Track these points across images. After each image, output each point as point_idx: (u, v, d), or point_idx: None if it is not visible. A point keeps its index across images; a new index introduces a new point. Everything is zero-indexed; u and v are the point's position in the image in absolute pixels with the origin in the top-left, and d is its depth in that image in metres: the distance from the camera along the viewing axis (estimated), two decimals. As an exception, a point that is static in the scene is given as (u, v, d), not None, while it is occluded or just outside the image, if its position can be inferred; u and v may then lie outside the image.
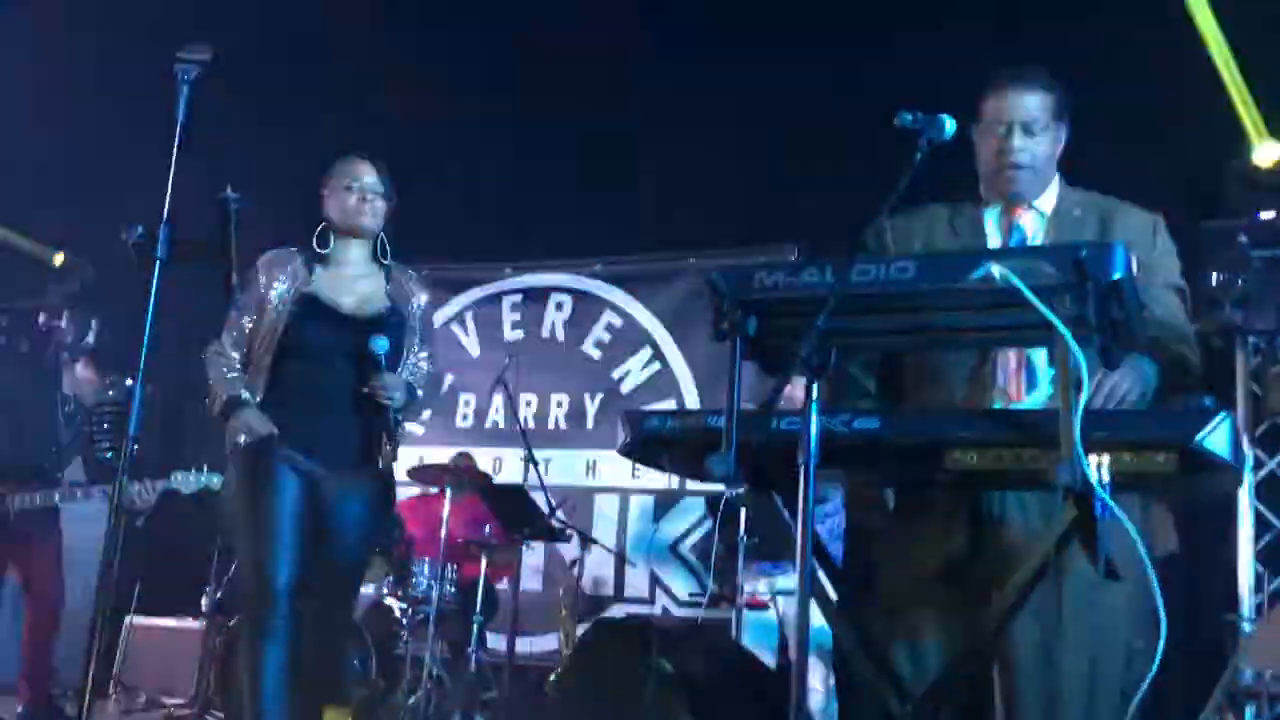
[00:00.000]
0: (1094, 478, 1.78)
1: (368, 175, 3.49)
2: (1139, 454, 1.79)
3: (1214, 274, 4.58)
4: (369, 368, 3.29)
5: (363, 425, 3.33)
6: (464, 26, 6.87)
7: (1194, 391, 2.38)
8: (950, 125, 2.17)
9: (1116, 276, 1.83)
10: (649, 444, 2.15)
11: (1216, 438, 1.76)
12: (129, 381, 2.41)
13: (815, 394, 1.83)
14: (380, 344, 3.29)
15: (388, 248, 3.56)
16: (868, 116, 2.52)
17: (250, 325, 3.37)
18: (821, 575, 2.22)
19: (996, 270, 1.88)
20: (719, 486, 5.30)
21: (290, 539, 3.19)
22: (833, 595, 2.22)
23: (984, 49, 5.32)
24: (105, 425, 4.81)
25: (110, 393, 4.88)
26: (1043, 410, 1.95)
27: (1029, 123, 2.47)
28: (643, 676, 2.63)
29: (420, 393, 3.47)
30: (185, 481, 4.89)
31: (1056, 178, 2.57)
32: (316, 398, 3.32)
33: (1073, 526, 1.82)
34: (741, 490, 2.28)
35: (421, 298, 3.58)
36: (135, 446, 2.30)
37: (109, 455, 4.73)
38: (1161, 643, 1.87)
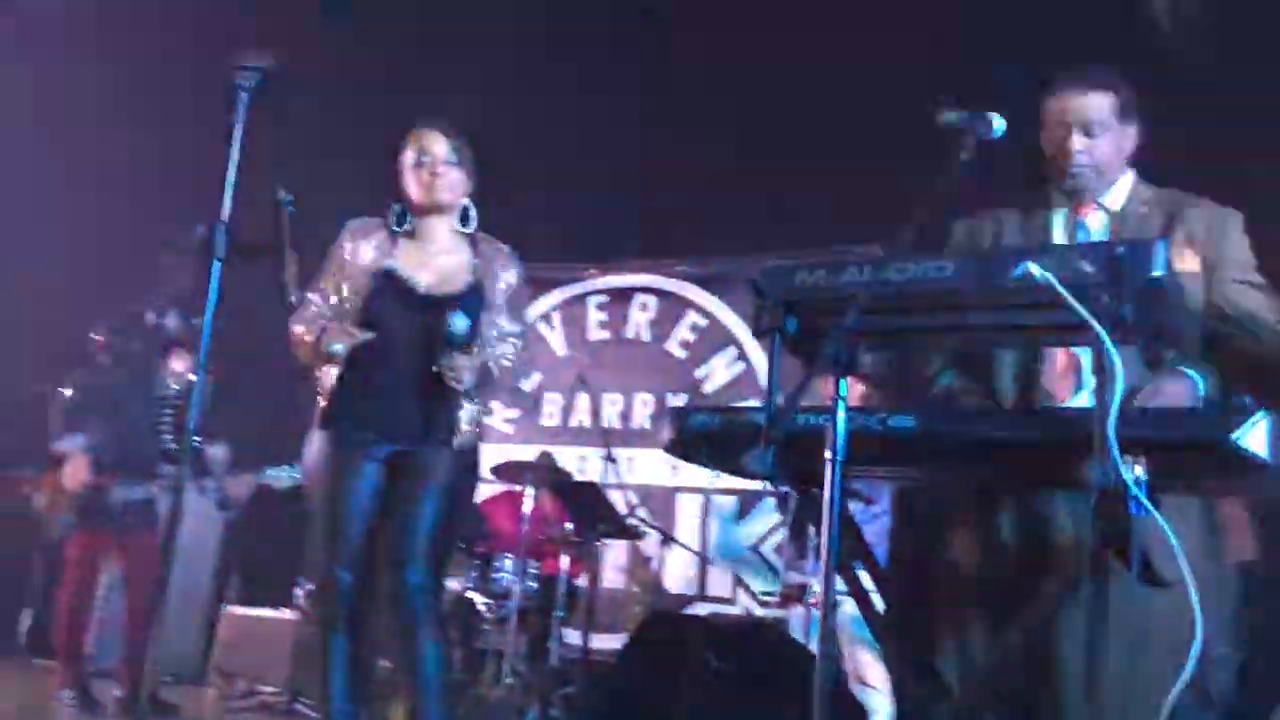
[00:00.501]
0: (1128, 477, 1.77)
1: (438, 145, 3.32)
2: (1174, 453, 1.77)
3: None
4: (443, 347, 3.12)
5: (437, 405, 3.17)
6: (557, 27, 6.96)
7: (1270, 369, 2.34)
8: (999, 123, 2.16)
9: (1155, 274, 1.81)
10: (693, 440, 2.18)
11: (1254, 437, 1.73)
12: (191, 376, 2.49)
13: (843, 392, 1.84)
14: (459, 323, 3.13)
15: (472, 216, 3.40)
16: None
17: (332, 290, 3.28)
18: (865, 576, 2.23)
19: (1034, 269, 1.87)
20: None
21: (360, 538, 3.13)
22: (877, 597, 2.22)
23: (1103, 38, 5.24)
24: (167, 417, 4.99)
25: (174, 387, 5.05)
26: (1078, 409, 1.93)
27: (1089, 123, 2.47)
28: (685, 667, 2.65)
29: (498, 373, 3.29)
30: (278, 477, 5.07)
31: (1129, 175, 2.55)
32: (390, 377, 3.18)
33: (1107, 527, 1.80)
34: (786, 489, 2.27)
35: (510, 275, 3.40)
36: (198, 440, 2.40)
37: (171, 447, 4.89)
38: (1196, 648, 1.82)
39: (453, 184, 3.32)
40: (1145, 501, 1.78)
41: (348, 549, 3.13)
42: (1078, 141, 2.47)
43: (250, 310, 3.34)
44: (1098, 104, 2.47)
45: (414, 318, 3.19)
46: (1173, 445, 1.78)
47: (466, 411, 3.21)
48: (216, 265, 2.47)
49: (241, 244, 2.48)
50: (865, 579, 2.29)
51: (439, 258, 3.33)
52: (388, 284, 3.25)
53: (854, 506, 4.33)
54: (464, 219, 3.38)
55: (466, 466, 3.28)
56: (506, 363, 3.32)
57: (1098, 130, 2.47)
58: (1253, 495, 2.16)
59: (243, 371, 5.55)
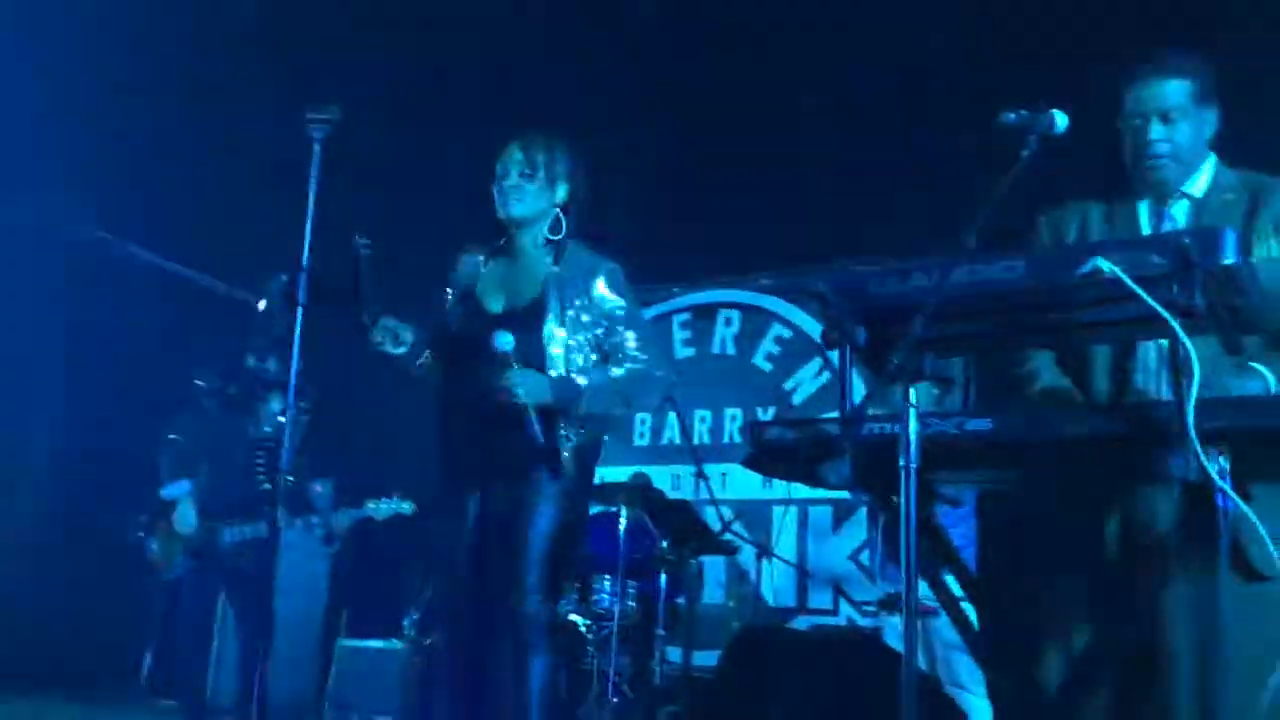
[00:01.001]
0: (1212, 468, 1.74)
1: (513, 155, 3.20)
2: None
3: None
4: (494, 366, 2.97)
5: (515, 432, 2.98)
6: (613, 54, 7.04)
7: None
8: (1062, 120, 2.15)
9: (1226, 261, 1.79)
10: (770, 454, 2.20)
11: (1339, 422, 1.70)
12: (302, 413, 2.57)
13: (913, 398, 1.84)
14: (503, 339, 2.95)
15: (563, 224, 3.23)
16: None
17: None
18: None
19: (1103, 264, 1.86)
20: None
21: (466, 571, 3.10)
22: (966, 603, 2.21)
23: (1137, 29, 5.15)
24: (260, 458, 5.12)
25: (266, 428, 5.19)
26: (1154, 401, 1.91)
27: (1167, 111, 2.45)
28: (776, 683, 2.66)
29: (594, 390, 3.08)
30: (378, 509, 5.19)
31: (1210, 161, 2.52)
32: (467, 403, 3.07)
33: (1190, 521, 1.78)
34: (865, 497, 2.28)
35: (600, 282, 3.19)
36: (291, 479, 2.48)
37: (266, 486, 5.03)
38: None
39: (523, 193, 3.18)
40: (1231, 492, 1.76)
41: (453, 584, 3.13)
42: (1156, 130, 2.44)
43: (346, 351, 3.43)
44: (1175, 90, 2.45)
45: (482, 338, 3.03)
46: (1255, 433, 1.75)
47: (552, 435, 3.04)
48: (299, 311, 2.56)
49: (322, 289, 2.57)
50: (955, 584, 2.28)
51: (520, 274, 3.22)
52: (466, 306, 3.20)
53: (940, 510, 4.29)
54: (554, 228, 3.23)
55: (568, 493, 3.10)
56: (617, 372, 3.13)
57: (1177, 117, 2.45)
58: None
59: (339, 410, 5.71)
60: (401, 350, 3.13)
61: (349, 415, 6.50)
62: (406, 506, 5.31)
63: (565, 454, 3.07)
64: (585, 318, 3.15)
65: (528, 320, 3.10)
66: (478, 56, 6.99)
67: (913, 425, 1.83)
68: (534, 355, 3.06)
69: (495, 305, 3.19)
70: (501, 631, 3.03)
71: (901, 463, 1.82)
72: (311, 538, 5.39)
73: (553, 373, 3.07)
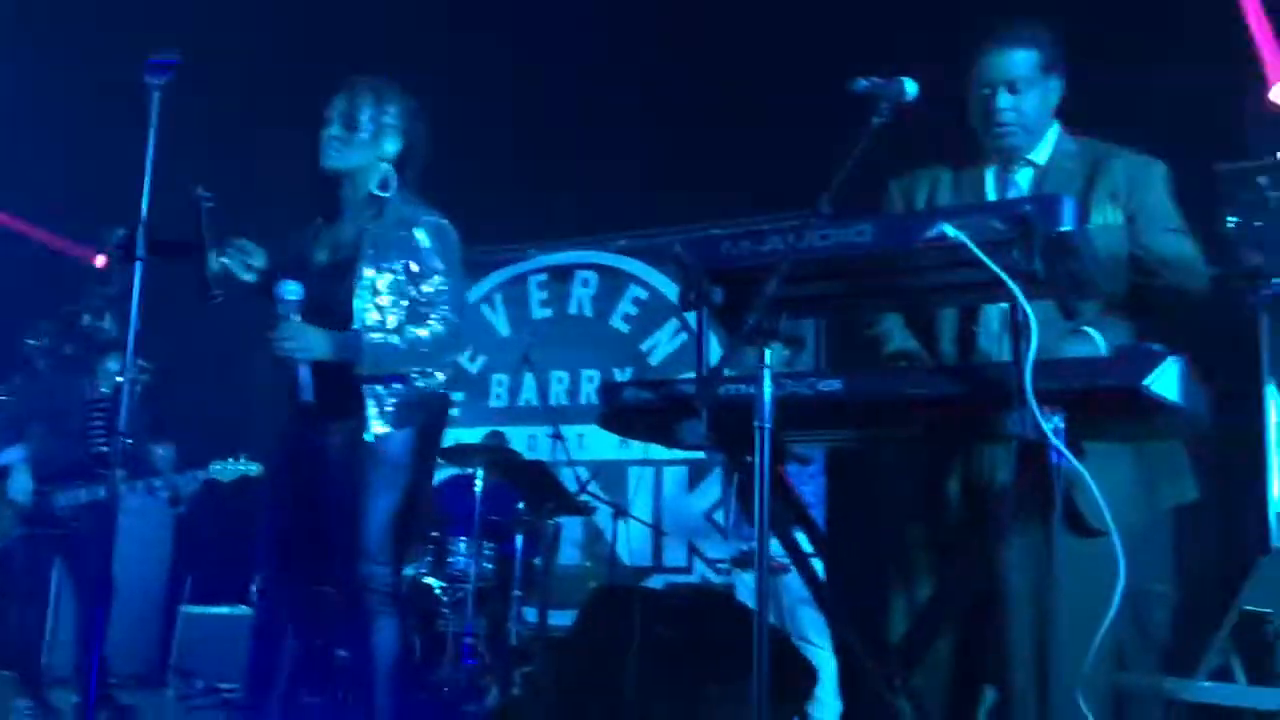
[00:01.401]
0: (1047, 427, 1.82)
1: (337, 104, 3.07)
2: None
3: (1230, 217, 4.52)
4: (332, 320, 2.91)
5: (329, 383, 2.88)
6: (485, 17, 6.94)
7: (1187, 310, 2.41)
8: (911, 87, 2.19)
9: (1064, 228, 1.86)
10: (626, 415, 2.21)
11: (1164, 381, 1.79)
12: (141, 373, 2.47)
13: (767, 359, 1.87)
14: (287, 289, 2.88)
15: (390, 181, 3.10)
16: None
17: None
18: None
19: (948, 229, 1.91)
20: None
21: (271, 530, 3.04)
22: (815, 560, 2.27)
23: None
24: (98, 420, 4.95)
25: (103, 388, 5.01)
26: (994, 363, 1.98)
27: (1014, 81, 2.50)
28: (632, 640, 2.70)
29: (389, 346, 2.94)
30: (223, 470, 5.04)
31: (1054, 128, 2.58)
32: (288, 360, 2.91)
33: (1026, 477, 1.86)
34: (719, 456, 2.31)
35: (422, 235, 3.05)
36: (130, 441, 2.38)
37: (104, 449, 4.85)
38: (1119, 588, 1.88)
39: (344, 142, 3.05)
40: (1065, 450, 1.84)
41: (261, 545, 3.07)
42: (1004, 100, 2.49)
43: (189, 310, 3.30)
44: (1022, 60, 2.50)
45: (310, 297, 2.93)
46: (1088, 394, 1.83)
47: (376, 398, 2.95)
48: (138, 265, 2.45)
49: (161, 243, 2.46)
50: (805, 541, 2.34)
51: (343, 229, 3.09)
52: (288, 267, 3.04)
53: (791, 468, 4.40)
54: (382, 184, 3.09)
55: (395, 453, 2.98)
56: (421, 333, 2.97)
57: (1023, 87, 2.49)
58: (1168, 438, 2.22)
59: (182, 369, 5.52)
60: (250, 278, 3.02)
61: (193, 376, 6.29)
62: (253, 468, 5.16)
63: (372, 413, 2.95)
64: (400, 274, 3.02)
65: (337, 274, 2.99)
66: (332, 6, 6.80)
67: (767, 386, 1.86)
68: (336, 310, 2.95)
69: (320, 258, 3.08)
70: (344, 596, 2.96)
71: (756, 423, 1.85)
72: (154, 501, 5.21)
73: (363, 329, 2.96)
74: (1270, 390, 4.89)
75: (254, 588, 5.82)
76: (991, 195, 2.55)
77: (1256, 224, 4.55)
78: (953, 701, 2.35)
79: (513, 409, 6.83)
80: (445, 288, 3.03)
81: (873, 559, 2.42)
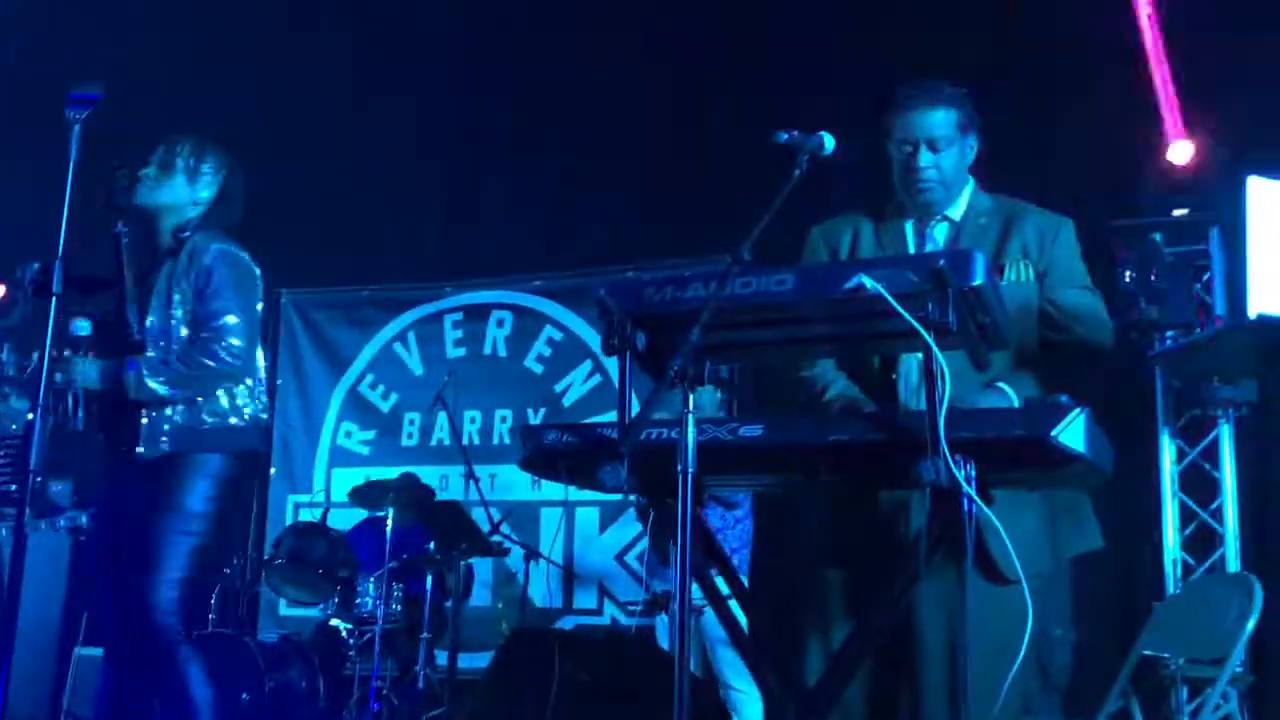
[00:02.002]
0: (959, 474, 1.88)
1: (156, 149, 3.29)
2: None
3: (1126, 272, 4.70)
4: (128, 349, 3.10)
5: (109, 411, 3.13)
6: (399, 53, 6.96)
7: (1098, 365, 2.50)
8: (829, 142, 2.26)
9: (976, 283, 1.93)
10: (547, 457, 2.22)
11: (1072, 432, 1.86)
12: (29, 415, 2.42)
13: (691, 405, 1.91)
14: (75, 326, 3.07)
15: (194, 223, 3.26)
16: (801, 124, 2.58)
17: None
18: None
19: (866, 280, 1.97)
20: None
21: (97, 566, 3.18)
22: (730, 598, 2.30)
23: (899, 52, 5.48)
24: (4, 458, 4.83)
25: (13, 426, 4.89)
26: (910, 411, 2.04)
27: (934, 140, 2.54)
28: (550, 683, 2.70)
29: (136, 374, 3.06)
30: None
31: (969, 185, 2.65)
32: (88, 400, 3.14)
33: (939, 523, 1.91)
34: (642, 499, 2.33)
35: (202, 268, 3.18)
36: (39, 480, 2.33)
37: (12, 489, 4.72)
38: (1028, 634, 1.94)
39: (147, 184, 3.22)
40: (976, 498, 1.90)
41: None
42: (925, 158, 2.54)
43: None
44: (942, 120, 2.55)
45: (111, 327, 3.18)
46: (999, 443, 1.90)
47: (150, 420, 3.08)
48: (54, 301, 2.40)
49: (78, 278, 2.42)
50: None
51: (146, 262, 3.25)
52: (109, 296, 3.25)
53: (715, 513, 4.43)
54: (185, 226, 3.25)
55: (176, 484, 3.08)
56: (204, 360, 3.09)
57: (943, 145, 2.55)
58: (1073, 488, 2.30)
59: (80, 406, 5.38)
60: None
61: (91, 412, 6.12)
62: None
63: (141, 443, 3.06)
64: (189, 302, 3.17)
65: (136, 305, 3.15)
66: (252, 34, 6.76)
67: (691, 430, 1.89)
68: (122, 341, 3.12)
69: (128, 290, 3.21)
70: (132, 640, 3.04)
71: (679, 467, 1.87)
72: (50, 539, 5.07)
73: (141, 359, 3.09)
74: (1165, 439, 5.08)
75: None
76: (910, 248, 2.60)
77: (1152, 279, 4.74)
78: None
79: (424, 448, 6.76)
80: (235, 319, 3.15)
81: (790, 602, 2.45)
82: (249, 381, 3.22)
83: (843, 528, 2.43)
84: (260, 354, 3.29)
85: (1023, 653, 1.96)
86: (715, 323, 1.98)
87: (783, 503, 2.54)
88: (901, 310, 1.90)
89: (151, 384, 3.05)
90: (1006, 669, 2.05)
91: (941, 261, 1.90)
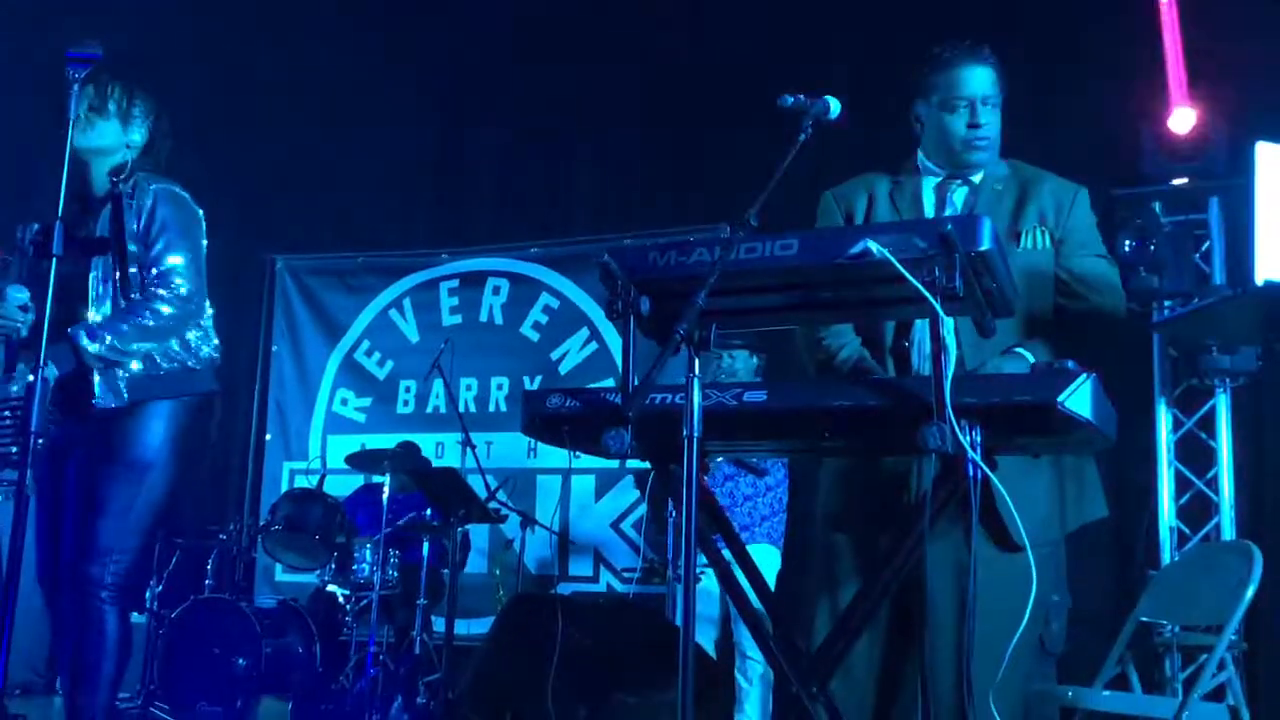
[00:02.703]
0: (965, 440, 1.87)
1: (85, 89, 3.06)
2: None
3: (1126, 241, 4.69)
4: (77, 303, 3.00)
5: (68, 367, 2.97)
6: (397, 16, 6.90)
7: (1114, 334, 2.48)
8: (835, 105, 2.24)
9: (983, 248, 1.91)
10: (549, 423, 2.21)
11: (1079, 398, 1.85)
12: (30, 376, 2.39)
13: (697, 369, 1.90)
14: (13, 292, 2.97)
15: (130, 165, 3.18)
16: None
17: None
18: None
19: (872, 245, 1.95)
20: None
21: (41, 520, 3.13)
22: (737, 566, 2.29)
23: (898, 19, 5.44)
24: (6, 421, 4.79)
25: (14, 388, 4.86)
26: (915, 377, 2.03)
27: (987, 96, 2.50)
28: (553, 646, 2.70)
29: (87, 330, 3.00)
30: None
31: None
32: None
33: (944, 489, 1.91)
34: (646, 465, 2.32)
35: (151, 201, 3.12)
36: (39, 441, 2.31)
37: (14, 451, 4.70)
38: (1031, 600, 1.94)
39: (90, 127, 3.12)
40: (981, 463, 1.89)
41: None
42: (983, 115, 2.49)
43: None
44: (991, 78, 2.51)
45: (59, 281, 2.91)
46: (1005, 409, 1.89)
47: (105, 376, 3.00)
48: (54, 262, 2.37)
49: (79, 239, 2.39)
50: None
51: (90, 208, 3.16)
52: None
53: (745, 480, 4.44)
54: (122, 169, 3.16)
55: (128, 433, 3.05)
56: (157, 309, 3.02)
57: (992, 104, 2.51)
58: (1078, 453, 2.29)
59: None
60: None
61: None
62: None
63: (98, 389, 2.99)
64: (132, 245, 3.07)
65: (81, 256, 3.04)
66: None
67: (696, 395, 1.87)
68: (78, 293, 3.02)
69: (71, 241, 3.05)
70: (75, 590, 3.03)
71: (685, 432, 1.86)
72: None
73: (91, 312, 3.02)
74: (1162, 408, 5.09)
75: (148, 594, 5.70)
76: (930, 210, 2.55)
77: (1151, 248, 4.73)
78: (872, 709, 2.38)
79: (420, 415, 6.75)
80: (179, 259, 3.08)
81: (800, 567, 2.46)
82: (202, 322, 3.16)
83: (849, 493, 2.42)
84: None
85: (1026, 620, 1.96)
86: (720, 288, 1.96)
87: (805, 469, 2.53)
88: (908, 275, 1.88)
89: (97, 349, 2.96)
90: (1009, 635, 2.05)
91: (949, 226, 1.89)
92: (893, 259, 1.91)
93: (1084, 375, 1.86)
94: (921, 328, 2.41)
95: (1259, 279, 2.00)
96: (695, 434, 1.86)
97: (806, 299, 2.12)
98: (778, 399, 2.03)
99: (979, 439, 1.89)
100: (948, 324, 1.88)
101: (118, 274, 3.02)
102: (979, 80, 2.50)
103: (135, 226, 3.05)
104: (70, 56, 2.43)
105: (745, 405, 2.03)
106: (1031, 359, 2.27)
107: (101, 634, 2.99)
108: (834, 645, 2.11)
